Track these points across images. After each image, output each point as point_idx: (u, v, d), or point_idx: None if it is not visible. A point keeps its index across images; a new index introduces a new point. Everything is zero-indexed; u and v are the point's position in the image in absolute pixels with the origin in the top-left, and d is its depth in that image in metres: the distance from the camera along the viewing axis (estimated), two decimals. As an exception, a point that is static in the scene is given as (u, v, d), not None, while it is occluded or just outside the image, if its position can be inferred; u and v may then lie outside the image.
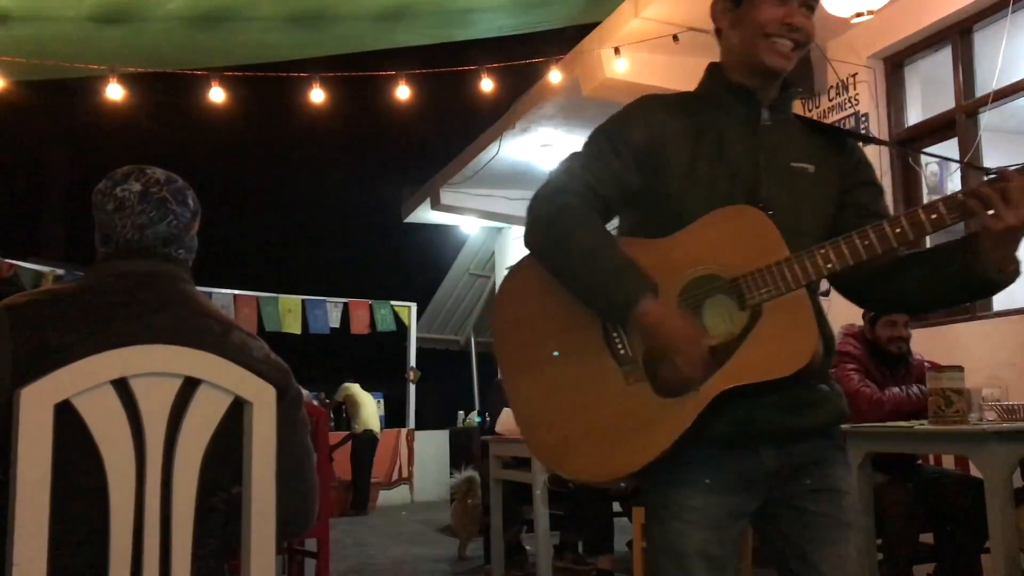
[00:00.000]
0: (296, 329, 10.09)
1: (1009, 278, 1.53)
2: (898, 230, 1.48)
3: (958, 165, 4.88)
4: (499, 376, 1.75)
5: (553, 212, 1.58)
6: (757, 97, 1.66)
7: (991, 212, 1.45)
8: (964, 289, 1.60)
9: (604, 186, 1.60)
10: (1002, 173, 1.46)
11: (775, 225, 1.53)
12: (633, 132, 1.63)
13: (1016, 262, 1.52)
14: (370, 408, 10.04)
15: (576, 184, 1.60)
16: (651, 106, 1.68)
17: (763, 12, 1.60)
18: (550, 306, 1.62)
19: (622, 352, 1.56)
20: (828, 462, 1.63)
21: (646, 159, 1.61)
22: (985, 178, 1.49)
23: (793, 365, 1.49)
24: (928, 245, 1.69)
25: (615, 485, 1.43)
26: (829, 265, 1.50)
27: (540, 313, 1.64)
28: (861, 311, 3.89)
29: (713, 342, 1.52)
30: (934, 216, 1.47)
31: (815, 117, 5.70)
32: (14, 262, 8.41)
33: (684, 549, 1.55)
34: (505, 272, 1.73)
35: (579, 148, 1.69)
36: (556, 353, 1.62)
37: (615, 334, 1.57)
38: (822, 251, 1.51)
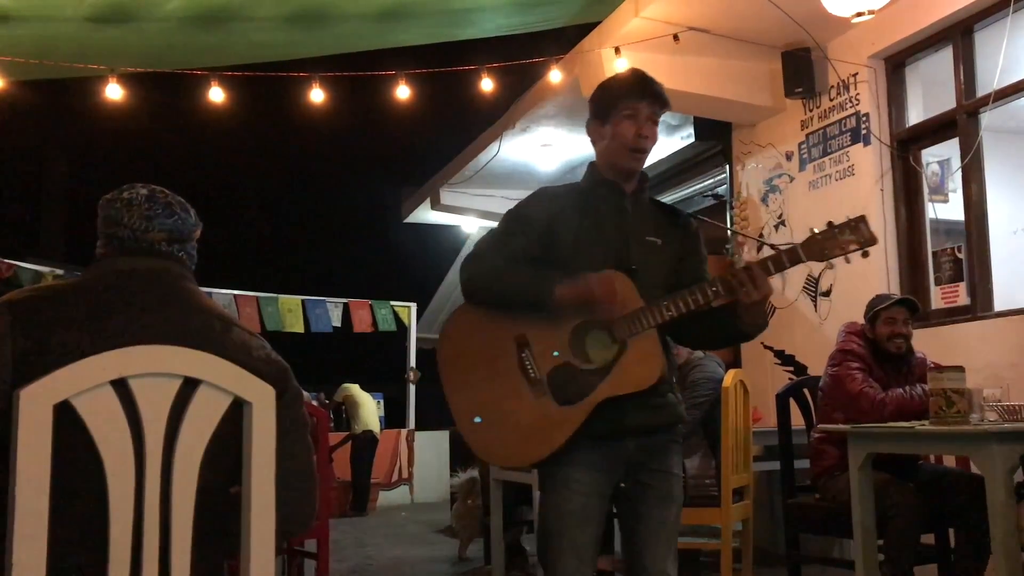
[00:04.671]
0: (299, 328, 10.09)
1: (758, 330, 2.22)
2: (714, 289, 2.11)
3: (959, 165, 4.88)
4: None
5: (483, 263, 2.24)
6: (623, 189, 2.29)
7: (744, 289, 2.09)
8: (730, 337, 2.32)
9: (514, 256, 2.22)
10: (748, 264, 2.11)
11: (634, 283, 2.14)
12: (535, 215, 2.27)
13: (761, 319, 2.19)
14: (370, 408, 10.03)
15: (494, 252, 2.25)
16: (548, 196, 2.32)
17: (622, 128, 2.23)
18: (477, 343, 2.24)
19: (532, 375, 2.16)
20: (667, 452, 2.28)
21: (544, 235, 2.23)
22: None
23: (648, 382, 2.13)
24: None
25: (529, 469, 2.36)
26: (670, 313, 2.11)
27: (470, 349, 2.25)
28: (863, 310, 3.89)
29: (594, 366, 2.13)
30: (714, 289, 2.12)
31: (816, 117, 5.71)
32: (14, 262, 8.41)
33: (566, 509, 2.17)
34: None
35: (495, 227, 2.33)
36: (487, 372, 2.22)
37: (527, 361, 2.17)
38: (665, 303, 2.12)
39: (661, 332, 2.19)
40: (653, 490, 2.25)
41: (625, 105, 2.23)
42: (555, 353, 2.16)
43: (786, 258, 2.12)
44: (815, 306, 5.59)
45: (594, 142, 2.34)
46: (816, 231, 2.11)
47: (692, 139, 6.85)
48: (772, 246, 2.18)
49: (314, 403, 8.41)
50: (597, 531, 2.20)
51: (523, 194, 2.38)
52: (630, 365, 2.12)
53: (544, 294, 2.12)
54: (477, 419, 2.24)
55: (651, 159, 2.37)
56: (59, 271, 8.79)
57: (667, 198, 7.01)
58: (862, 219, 2.10)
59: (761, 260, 2.12)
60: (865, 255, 2.14)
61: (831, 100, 5.60)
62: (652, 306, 2.12)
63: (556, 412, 2.13)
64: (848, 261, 2.14)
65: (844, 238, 2.09)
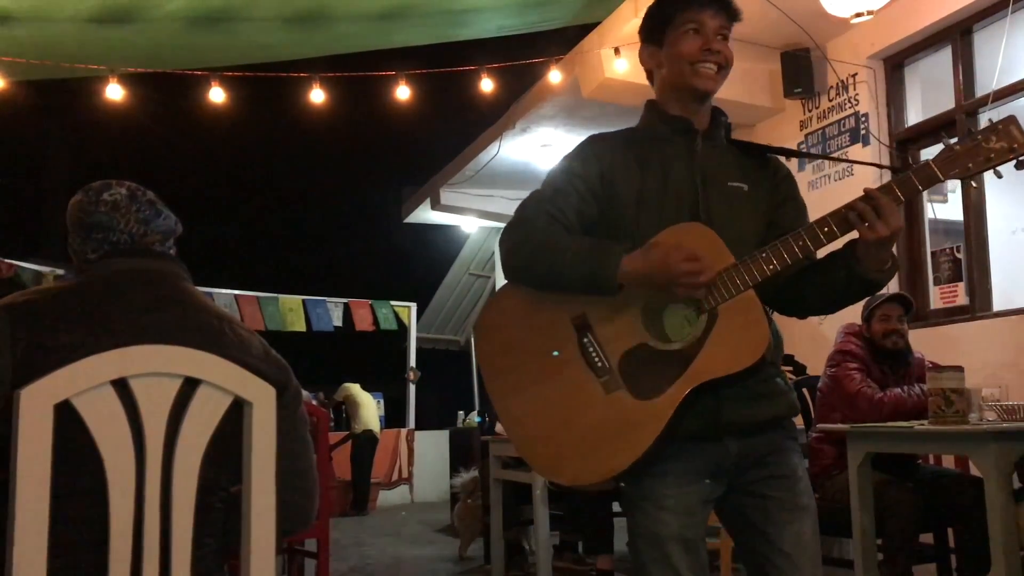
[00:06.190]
0: (300, 327, 10.09)
1: (887, 276, 1.74)
2: (825, 229, 1.68)
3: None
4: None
5: (527, 233, 1.79)
6: (694, 126, 1.84)
7: (867, 224, 1.65)
8: (850, 289, 1.77)
9: (564, 216, 1.79)
10: (868, 192, 1.66)
11: (719, 236, 1.70)
12: (587, 169, 1.82)
13: (891, 260, 1.72)
14: (370, 408, 10.03)
15: (539, 214, 1.80)
16: (600, 145, 1.87)
17: (685, 45, 1.81)
18: (525, 332, 1.80)
19: (599, 364, 1.72)
20: (784, 451, 1.80)
21: (600, 191, 1.80)
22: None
23: (752, 357, 1.66)
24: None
25: (608, 485, 1.78)
26: (771, 267, 1.67)
27: (517, 340, 1.81)
28: (860, 310, 3.90)
29: (678, 345, 1.69)
30: (826, 229, 1.68)
31: (815, 117, 5.71)
32: (14, 262, 8.41)
33: (663, 534, 1.71)
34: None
35: (538, 186, 1.88)
36: (547, 359, 1.77)
37: (590, 348, 1.73)
38: (763, 255, 1.68)
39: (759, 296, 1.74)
40: (776, 501, 1.76)
41: (685, 18, 1.81)
42: (627, 333, 1.71)
43: (917, 180, 1.66)
44: (814, 306, 5.59)
45: (650, 74, 1.92)
46: (954, 143, 1.69)
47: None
48: (895, 169, 1.77)
49: (314, 402, 8.41)
50: (705, 552, 1.75)
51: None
52: (725, 338, 1.67)
53: (607, 268, 1.67)
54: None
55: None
56: (60, 271, 8.79)
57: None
58: (1012, 120, 1.66)
59: (885, 185, 1.68)
60: (1020, 166, 1.69)
61: (830, 100, 5.60)
62: (747, 261, 1.68)
63: (635, 409, 1.67)
64: (999, 176, 1.73)
65: (991, 146, 1.66)
